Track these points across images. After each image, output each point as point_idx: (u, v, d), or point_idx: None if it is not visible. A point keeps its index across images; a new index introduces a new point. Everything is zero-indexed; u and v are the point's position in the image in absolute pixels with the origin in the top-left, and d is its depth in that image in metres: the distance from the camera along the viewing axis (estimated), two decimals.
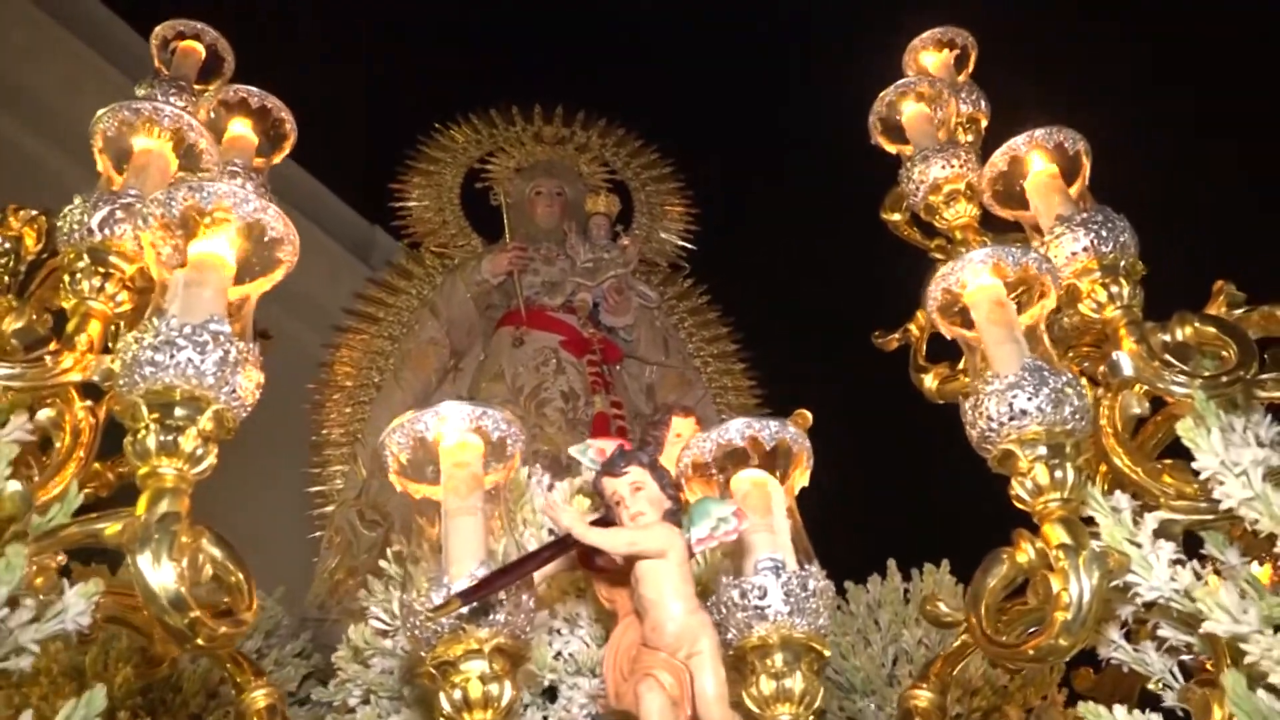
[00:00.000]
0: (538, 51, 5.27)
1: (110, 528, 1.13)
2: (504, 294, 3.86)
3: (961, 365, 2.05)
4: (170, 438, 1.13)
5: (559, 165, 4.28)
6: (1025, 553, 1.38)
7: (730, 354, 4.18)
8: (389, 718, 1.64)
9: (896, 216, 2.28)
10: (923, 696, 1.57)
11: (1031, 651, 1.27)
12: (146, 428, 1.13)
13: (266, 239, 1.31)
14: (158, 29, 2.24)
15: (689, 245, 4.38)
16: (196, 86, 2.18)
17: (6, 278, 1.78)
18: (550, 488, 1.67)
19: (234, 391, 1.19)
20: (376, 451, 3.42)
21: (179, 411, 1.15)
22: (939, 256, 2.18)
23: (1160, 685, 1.41)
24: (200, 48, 2.24)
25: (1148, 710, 1.28)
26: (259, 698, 1.39)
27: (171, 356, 1.15)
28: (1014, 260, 1.44)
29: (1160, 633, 1.35)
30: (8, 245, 1.82)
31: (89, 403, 1.43)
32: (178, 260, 1.29)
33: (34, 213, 1.87)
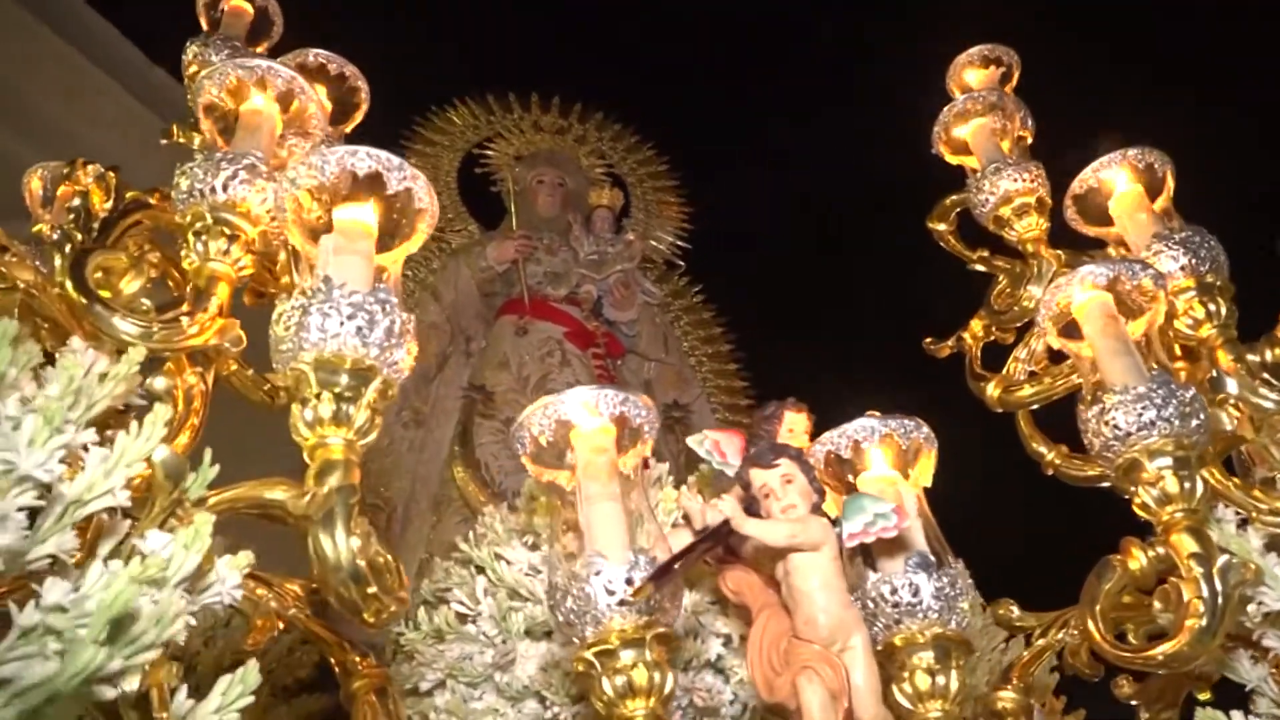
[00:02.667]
0: (532, 42, 5.23)
1: (283, 498, 1.09)
2: (506, 282, 3.82)
3: (1005, 372, 2.10)
4: (340, 408, 1.10)
5: (561, 156, 4.26)
6: (1137, 560, 1.42)
7: (724, 353, 4.21)
8: (470, 703, 1.61)
9: (943, 227, 2.31)
10: (1008, 698, 1.61)
11: (1161, 657, 1.30)
12: (317, 397, 1.09)
13: (412, 209, 1.28)
14: None
15: (684, 244, 4.40)
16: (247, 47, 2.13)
17: (79, 235, 1.71)
18: None
19: (396, 363, 1.15)
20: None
21: (347, 380, 1.11)
22: (980, 268, 2.22)
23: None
24: (250, 8, 2.18)
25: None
26: (369, 680, 1.35)
27: (341, 325, 1.11)
28: (1132, 275, 1.47)
29: (1266, 642, 1.39)
30: (77, 202, 1.74)
31: (198, 368, 1.38)
32: (323, 226, 1.25)
33: (102, 169, 1.79)
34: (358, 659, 1.39)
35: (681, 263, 4.37)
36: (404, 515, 3.34)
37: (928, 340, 2.27)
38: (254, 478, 1.21)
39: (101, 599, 0.77)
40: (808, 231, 5.10)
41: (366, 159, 1.24)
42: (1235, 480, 1.67)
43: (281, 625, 1.39)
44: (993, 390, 2.05)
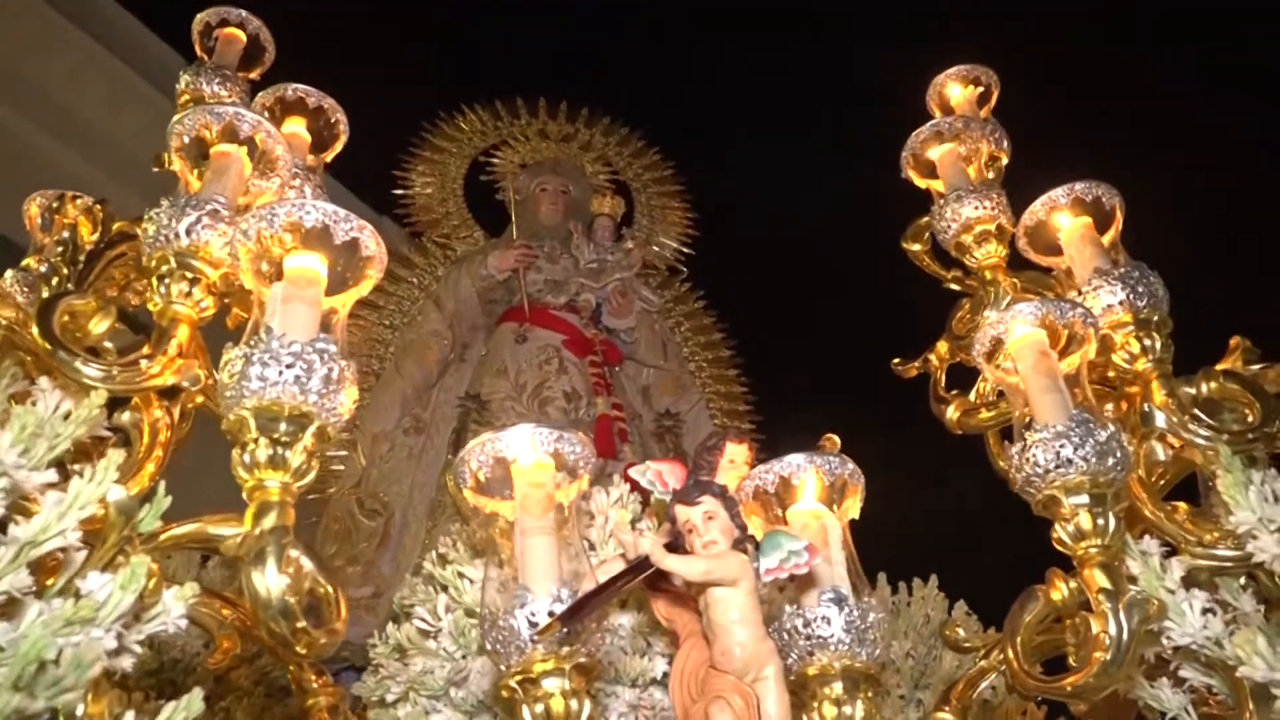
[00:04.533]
0: (540, 48, 5.30)
1: (224, 537, 1.17)
2: (507, 289, 3.90)
3: (973, 395, 2.15)
4: (277, 452, 1.18)
5: (564, 164, 4.33)
6: (1060, 590, 1.47)
7: (724, 359, 4.26)
8: (430, 716, 1.69)
9: (917, 247, 2.34)
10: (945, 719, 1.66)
11: (1069, 688, 1.35)
12: (255, 441, 1.17)
13: (358, 257, 1.36)
14: (200, 15, 2.26)
15: (687, 250, 4.45)
16: (238, 74, 2.22)
17: (65, 268, 1.81)
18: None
19: (335, 408, 1.23)
20: (376, 440, 3.46)
21: (285, 427, 1.19)
22: (955, 287, 2.26)
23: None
24: (242, 35, 2.27)
25: None
26: (322, 699, 1.43)
27: (280, 374, 1.19)
28: (1061, 315, 1.52)
29: (1181, 673, 1.44)
30: (66, 235, 1.84)
31: (165, 403, 1.46)
32: (273, 273, 1.33)
33: (90, 201, 1.89)
34: (313, 676, 1.47)
35: (684, 268, 4.43)
36: (402, 520, 3.43)
37: (895, 361, 2.31)
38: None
39: (18, 648, 0.85)
40: (813, 236, 5.13)
41: (314, 212, 1.31)
42: (1182, 505, 1.72)
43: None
44: (952, 413, 2.10)
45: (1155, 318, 1.67)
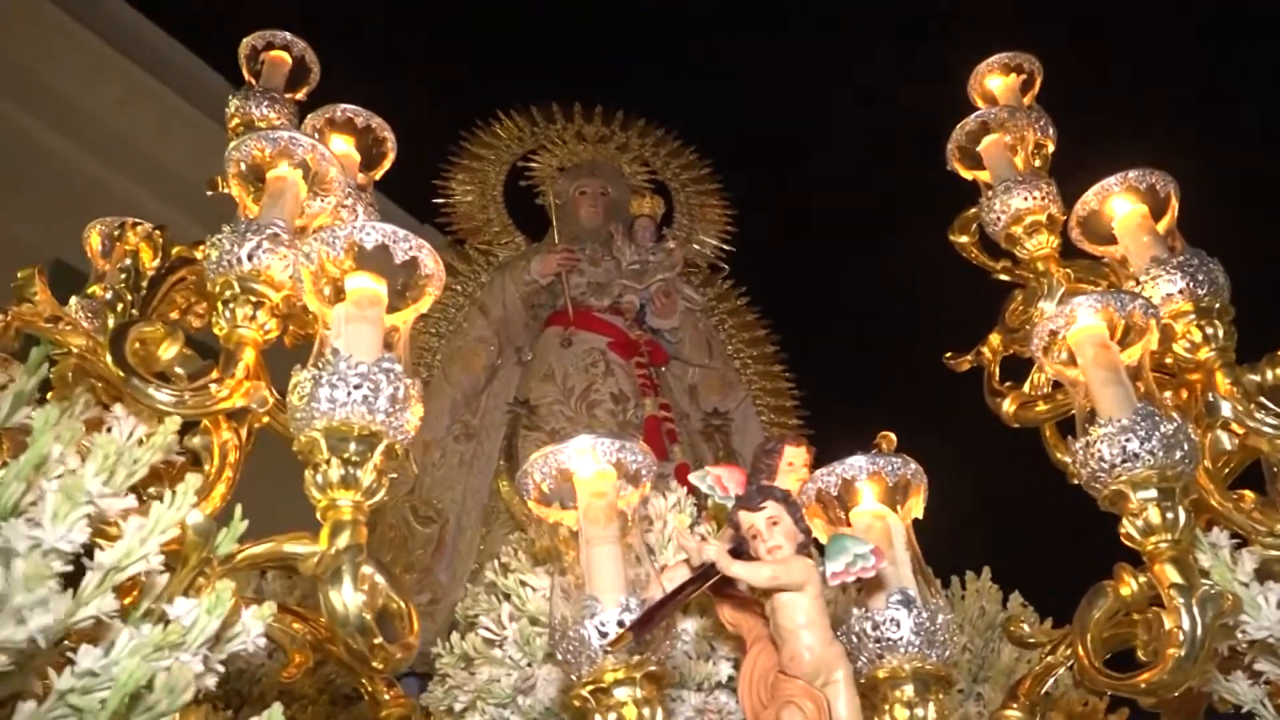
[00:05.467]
0: (578, 49, 5.31)
1: (301, 555, 1.20)
2: (551, 294, 3.92)
3: (1027, 387, 2.13)
4: (349, 471, 1.20)
5: (603, 165, 4.34)
6: (1129, 585, 1.46)
7: (769, 356, 4.25)
8: None
9: (965, 239, 2.33)
10: (1014, 716, 1.66)
11: (1144, 685, 1.34)
12: (327, 462, 1.20)
13: (418, 275, 1.38)
14: (247, 40, 2.30)
15: (728, 247, 4.45)
16: (285, 95, 2.26)
17: (129, 295, 1.85)
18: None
19: (402, 426, 1.25)
20: (428, 447, 3.49)
21: (354, 446, 1.21)
22: (1004, 278, 2.24)
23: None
24: (288, 58, 2.30)
25: None
26: (395, 710, 1.46)
27: (349, 394, 1.21)
28: (1122, 306, 1.50)
29: (1257, 666, 1.42)
30: (128, 262, 1.88)
31: (234, 423, 1.49)
32: (334, 294, 1.35)
33: (150, 228, 1.93)
34: (385, 688, 1.50)
35: (725, 266, 4.43)
36: (456, 526, 3.47)
37: (947, 355, 2.30)
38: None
39: (116, 678, 0.87)
40: (858, 230, 5.10)
41: (374, 233, 1.34)
42: (1249, 494, 1.70)
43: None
44: (1008, 406, 2.08)
45: (1217, 305, 1.65)
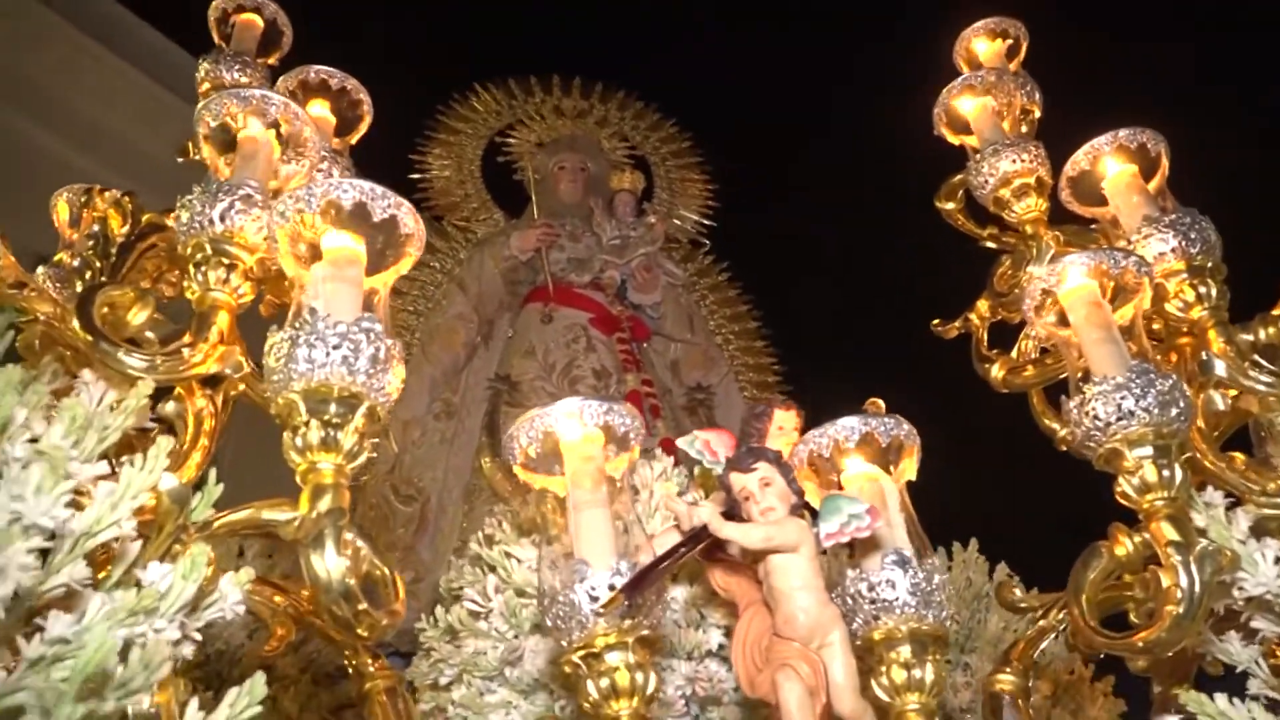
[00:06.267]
0: (560, 20, 5.24)
1: (280, 521, 1.16)
2: (531, 270, 3.88)
3: (1015, 353, 2.11)
4: (329, 434, 1.16)
5: (582, 140, 4.29)
6: (1124, 546, 1.44)
7: (751, 331, 4.23)
8: (485, 696, 1.68)
9: (951, 205, 2.30)
10: (1007, 680, 1.64)
11: (1141, 644, 1.32)
12: (306, 424, 1.16)
13: (397, 234, 1.33)
14: (216, 3, 2.23)
15: (708, 222, 4.41)
16: (257, 60, 2.19)
17: (98, 261, 1.79)
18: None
19: (383, 388, 1.21)
20: (408, 426, 3.45)
21: (335, 408, 1.17)
22: (991, 244, 2.22)
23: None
24: (259, 20, 2.24)
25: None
26: (380, 682, 1.42)
27: (327, 355, 1.17)
28: (1114, 264, 1.48)
29: (1254, 624, 1.41)
30: (95, 229, 1.82)
31: (208, 391, 1.45)
32: (310, 256, 1.31)
33: (119, 194, 1.87)
34: (369, 660, 1.46)
35: (706, 241, 4.39)
36: (438, 505, 3.43)
37: (935, 322, 2.27)
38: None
39: (78, 657, 0.83)
40: (839, 203, 5.08)
41: (350, 190, 1.29)
42: (1239, 456, 1.68)
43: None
44: (997, 372, 2.06)
45: (1209, 264, 1.63)
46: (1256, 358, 1.56)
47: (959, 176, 2.21)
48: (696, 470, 1.69)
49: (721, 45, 5.23)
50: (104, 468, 1.13)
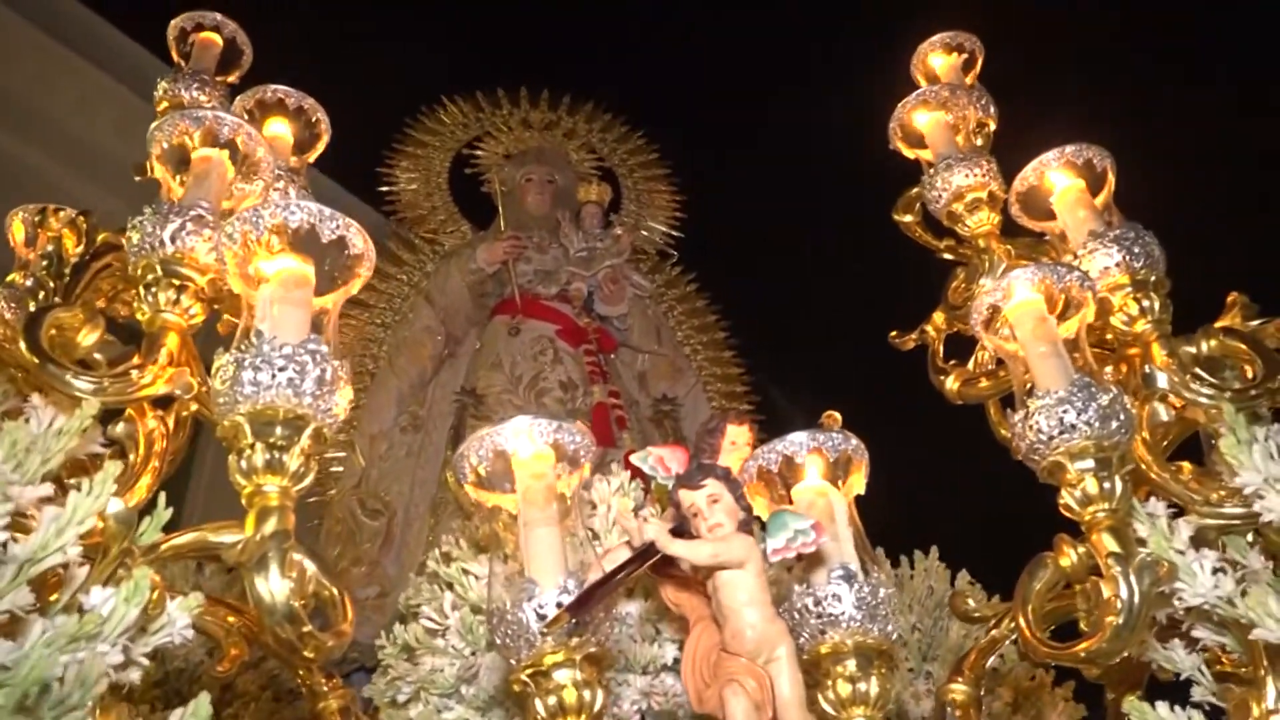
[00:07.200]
0: (522, 32, 5.26)
1: (225, 545, 1.16)
2: (498, 282, 3.88)
3: (972, 365, 2.14)
4: (274, 456, 1.16)
5: (550, 152, 4.30)
6: (1068, 557, 1.46)
7: (719, 342, 4.25)
8: (442, 714, 1.68)
9: (909, 218, 2.33)
10: (959, 690, 1.66)
11: (1083, 654, 1.34)
12: (251, 447, 1.16)
13: (346, 254, 1.34)
14: (175, 21, 2.22)
15: (676, 233, 4.43)
16: (216, 78, 2.19)
17: (51, 282, 1.78)
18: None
19: (330, 409, 1.22)
20: (374, 440, 3.44)
21: (280, 430, 1.17)
22: (948, 257, 2.25)
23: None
24: (219, 39, 2.24)
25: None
26: (333, 701, 1.42)
27: (273, 377, 1.18)
28: (1058, 279, 1.51)
29: (1194, 633, 1.43)
30: (50, 248, 1.82)
31: (160, 412, 1.45)
32: (260, 275, 1.31)
33: (74, 213, 1.87)
34: (323, 679, 1.46)
35: (674, 252, 4.41)
36: (404, 518, 3.42)
37: (893, 334, 2.30)
38: None
39: (16, 674, 0.83)
40: (801, 215, 5.11)
41: (299, 212, 1.29)
42: (1186, 465, 1.71)
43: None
44: (952, 384, 2.09)
45: (1153, 278, 1.66)
46: (1198, 370, 1.59)
47: (915, 190, 2.24)
48: (654, 485, 1.71)
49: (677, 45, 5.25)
50: (47, 490, 1.13)
